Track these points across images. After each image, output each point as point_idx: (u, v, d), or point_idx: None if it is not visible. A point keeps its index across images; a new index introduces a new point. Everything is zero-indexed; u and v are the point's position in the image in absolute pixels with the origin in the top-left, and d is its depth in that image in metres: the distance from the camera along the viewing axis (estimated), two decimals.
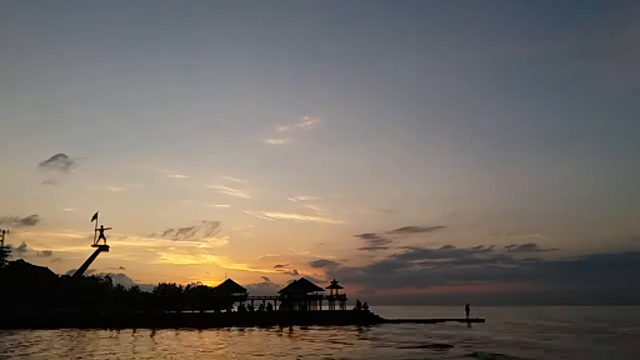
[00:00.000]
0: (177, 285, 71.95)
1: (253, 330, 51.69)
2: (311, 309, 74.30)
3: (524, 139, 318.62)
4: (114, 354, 27.54)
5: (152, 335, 42.26)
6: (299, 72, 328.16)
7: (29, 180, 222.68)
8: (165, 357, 26.18)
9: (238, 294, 75.08)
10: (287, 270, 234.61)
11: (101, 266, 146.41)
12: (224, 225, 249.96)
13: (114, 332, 46.34)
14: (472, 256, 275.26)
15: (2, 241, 69.81)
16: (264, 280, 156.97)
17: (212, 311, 68.17)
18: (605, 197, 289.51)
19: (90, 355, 26.82)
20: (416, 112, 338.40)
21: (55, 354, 27.39)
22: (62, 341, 36.53)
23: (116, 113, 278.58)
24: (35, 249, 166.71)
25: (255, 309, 68.77)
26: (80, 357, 26.00)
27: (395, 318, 72.66)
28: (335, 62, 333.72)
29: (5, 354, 27.58)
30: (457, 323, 66.60)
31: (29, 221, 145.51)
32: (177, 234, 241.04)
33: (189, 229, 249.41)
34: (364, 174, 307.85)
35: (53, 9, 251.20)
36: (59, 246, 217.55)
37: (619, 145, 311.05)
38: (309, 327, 56.72)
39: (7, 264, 69.24)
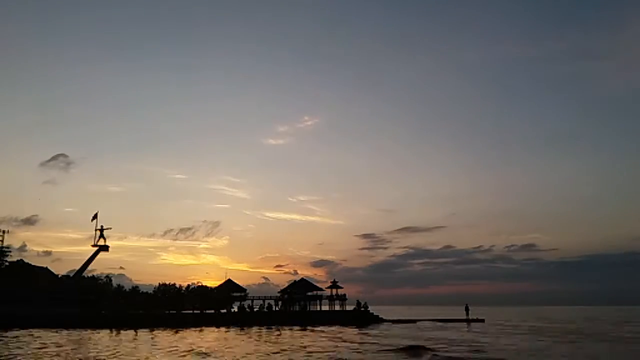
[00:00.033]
0: (177, 285, 72.07)
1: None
2: (311, 309, 74.31)
3: (524, 139, 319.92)
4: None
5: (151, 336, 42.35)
6: (299, 72, 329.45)
7: (29, 180, 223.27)
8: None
9: (238, 294, 75.07)
10: (287, 270, 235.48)
11: (101, 266, 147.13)
12: (224, 225, 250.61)
13: (114, 332, 46.39)
14: (472, 256, 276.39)
15: (2, 241, 69.97)
16: (264, 280, 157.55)
17: (212, 311, 68.20)
18: (605, 197, 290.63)
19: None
20: (416, 112, 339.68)
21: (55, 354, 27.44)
22: (61, 341, 36.58)
23: (116, 113, 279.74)
24: (35, 249, 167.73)
25: (255, 309, 68.79)
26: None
27: (395, 318, 72.72)
28: (335, 62, 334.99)
29: (5, 354, 27.59)
30: (455, 324, 66.54)
31: (29, 221, 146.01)
32: (177, 234, 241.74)
33: (189, 229, 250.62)
34: (364, 174, 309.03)
35: (53, 9, 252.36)
36: (59, 246, 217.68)
37: (619, 145, 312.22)
38: (307, 327, 56.80)
39: (7, 264, 69.27)
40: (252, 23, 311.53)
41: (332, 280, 77.79)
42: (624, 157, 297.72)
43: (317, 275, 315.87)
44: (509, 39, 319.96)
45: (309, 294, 76.36)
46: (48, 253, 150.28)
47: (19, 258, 72.04)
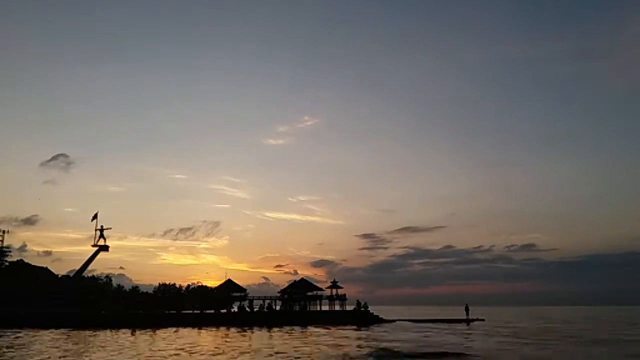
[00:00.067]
0: (177, 285, 72.21)
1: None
2: (311, 309, 74.35)
3: (524, 139, 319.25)
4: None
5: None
6: (299, 73, 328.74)
7: (29, 180, 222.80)
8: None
9: (238, 294, 75.10)
10: (287, 270, 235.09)
11: (101, 266, 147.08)
12: (224, 225, 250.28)
13: (114, 332, 46.42)
14: (472, 256, 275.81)
15: (2, 241, 70.07)
16: (264, 280, 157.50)
17: (212, 311, 68.23)
18: (605, 197, 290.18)
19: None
20: (416, 112, 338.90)
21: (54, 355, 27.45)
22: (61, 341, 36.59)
23: (116, 113, 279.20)
24: (35, 249, 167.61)
25: (255, 309, 68.81)
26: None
27: (395, 318, 72.76)
28: (335, 62, 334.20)
29: (4, 354, 27.60)
30: (452, 325, 66.49)
31: (29, 221, 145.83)
32: (177, 234, 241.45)
33: (189, 229, 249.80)
34: (364, 174, 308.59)
35: (53, 9, 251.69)
36: (59, 246, 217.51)
37: (619, 145, 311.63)
38: (308, 327, 56.79)
39: (7, 264, 69.34)
40: (252, 23, 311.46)
41: (332, 280, 77.94)
42: (624, 157, 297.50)
43: (317, 275, 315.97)
44: (509, 39, 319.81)
45: (309, 294, 76.41)
46: (48, 253, 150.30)
47: (19, 258, 72.30)
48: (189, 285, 74.86)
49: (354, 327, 57.80)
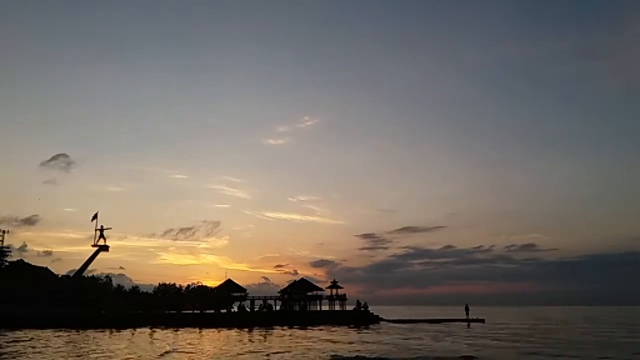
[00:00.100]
0: (177, 285, 72.24)
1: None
2: (311, 309, 74.35)
3: (524, 139, 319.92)
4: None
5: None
6: (298, 73, 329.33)
7: (29, 180, 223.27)
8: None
9: (238, 294, 75.14)
10: (287, 270, 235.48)
11: (101, 266, 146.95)
12: (224, 225, 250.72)
13: (113, 332, 46.41)
14: (472, 256, 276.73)
15: (2, 241, 69.94)
16: (264, 280, 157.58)
17: (212, 311, 68.23)
18: (605, 197, 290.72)
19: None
20: (416, 113, 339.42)
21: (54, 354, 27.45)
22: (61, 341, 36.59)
23: (116, 113, 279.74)
24: (35, 249, 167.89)
25: (255, 309, 68.80)
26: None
27: (395, 318, 72.75)
28: (335, 62, 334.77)
29: (4, 354, 27.60)
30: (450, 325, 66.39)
31: (29, 221, 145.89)
32: (177, 234, 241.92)
33: (189, 229, 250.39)
34: (364, 174, 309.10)
35: (53, 9, 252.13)
36: (59, 246, 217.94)
37: (619, 145, 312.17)
38: (308, 327, 56.78)
39: (7, 264, 69.26)
40: (252, 23, 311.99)
41: (332, 280, 78.01)
42: (624, 157, 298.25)
43: (317, 275, 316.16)
44: (509, 39, 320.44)
45: (309, 294, 76.44)
46: (48, 253, 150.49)
47: (19, 258, 72.18)
48: (189, 285, 75.00)
49: (354, 327, 57.79)
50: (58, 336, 40.81)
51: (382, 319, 68.34)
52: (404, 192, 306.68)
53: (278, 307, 72.65)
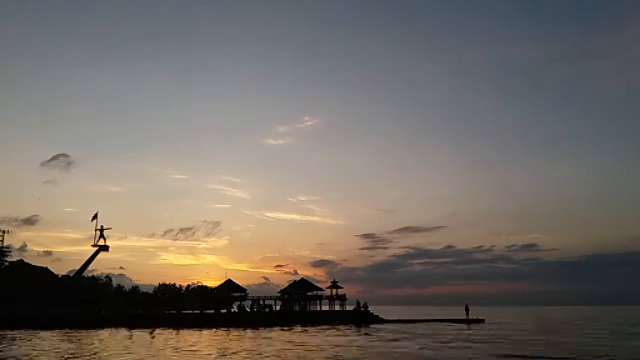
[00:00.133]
0: (177, 285, 72.17)
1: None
2: (311, 309, 74.36)
3: (524, 139, 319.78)
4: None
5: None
6: (298, 73, 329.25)
7: (29, 180, 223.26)
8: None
9: (238, 294, 75.12)
10: (287, 270, 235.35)
11: (101, 266, 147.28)
12: (224, 225, 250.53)
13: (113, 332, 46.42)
14: (472, 256, 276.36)
15: (2, 241, 69.91)
16: (264, 280, 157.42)
17: (212, 311, 68.23)
18: (605, 197, 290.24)
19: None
20: (416, 113, 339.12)
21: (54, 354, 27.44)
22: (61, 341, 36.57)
23: (116, 114, 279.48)
24: (35, 249, 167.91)
25: (255, 309, 68.79)
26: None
27: (394, 318, 72.68)
28: (335, 62, 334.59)
29: (4, 355, 27.61)
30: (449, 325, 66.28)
31: (29, 221, 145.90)
32: (177, 234, 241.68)
33: (189, 229, 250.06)
34: (364, 174, 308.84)
35: (53, 9, 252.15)
36: (59, 246, 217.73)
37: (619, 145, 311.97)
38: (308, 327, 56.78)
39: (7, 264, 69.24)
40: (252, 23, 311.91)
41: (332, 280, 77.98)
42: (624, 157, 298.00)
43: (317, 275, 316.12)
44: (509, 39, 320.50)
45: (309, 294, 76.42)
46: (48, 253, 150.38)
47: (19, 258, 72.11)
48: (189, 285, 74.92)
49: (353, 327, 57.78)
50: (58, 337, 40.79)
51: (381, 319, 68.32)
52: (404, 192, 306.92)
53: (278, 307, 72.65)
